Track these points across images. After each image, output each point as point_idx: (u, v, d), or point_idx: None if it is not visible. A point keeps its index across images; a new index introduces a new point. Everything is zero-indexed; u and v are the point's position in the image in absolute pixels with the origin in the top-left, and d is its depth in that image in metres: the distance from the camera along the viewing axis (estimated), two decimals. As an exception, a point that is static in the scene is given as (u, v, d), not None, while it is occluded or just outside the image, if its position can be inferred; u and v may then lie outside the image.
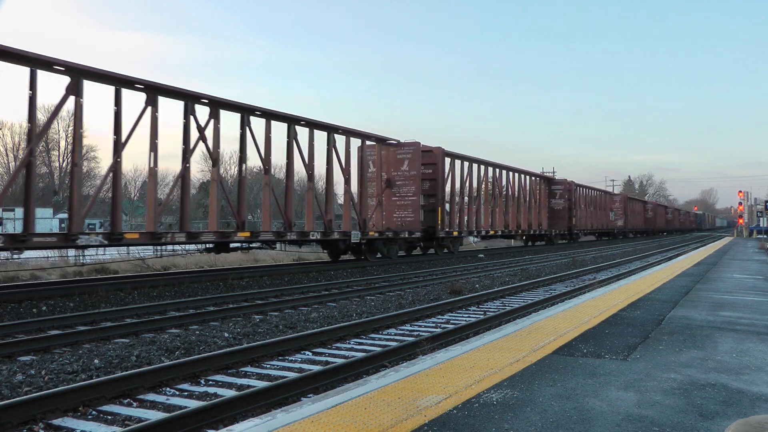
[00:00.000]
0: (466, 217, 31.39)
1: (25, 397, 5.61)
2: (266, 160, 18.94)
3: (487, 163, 33.93)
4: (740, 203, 65.22)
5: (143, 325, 9.94)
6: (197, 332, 9.67)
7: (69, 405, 5.67)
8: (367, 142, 24.78)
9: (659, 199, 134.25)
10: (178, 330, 9.98)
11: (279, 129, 19.67)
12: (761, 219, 64.91)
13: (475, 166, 32.38)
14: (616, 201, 62.84)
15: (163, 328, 10.03)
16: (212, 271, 18.72)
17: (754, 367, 5.14)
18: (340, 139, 22.53)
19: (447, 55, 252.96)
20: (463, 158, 30.94)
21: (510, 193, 37.57)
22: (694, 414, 3.86)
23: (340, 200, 33.66)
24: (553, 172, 71.87)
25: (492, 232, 34.65)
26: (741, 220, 68.49)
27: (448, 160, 29.32)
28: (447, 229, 29.07)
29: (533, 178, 42.19)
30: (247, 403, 5.68)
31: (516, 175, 38.36)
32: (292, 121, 20.04)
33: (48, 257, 22.83)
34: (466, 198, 31.26)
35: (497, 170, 35.55)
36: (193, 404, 5.78)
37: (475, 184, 32.38)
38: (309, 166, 21.00)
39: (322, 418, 3.63)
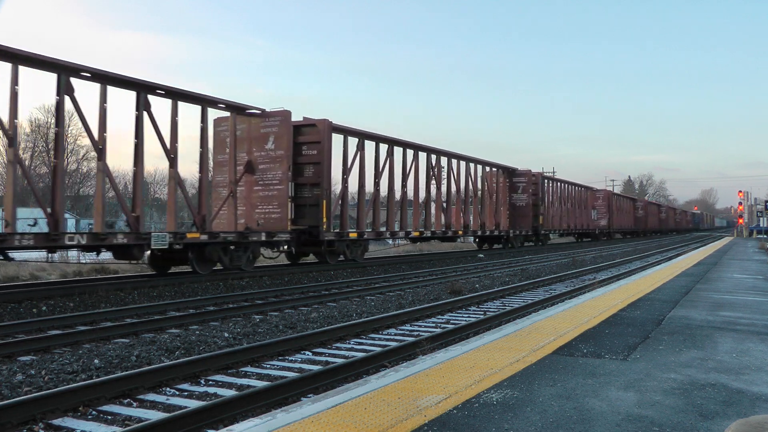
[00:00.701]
0: (380, 215, 24.55)
1: (25, 397, 5.61)
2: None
3: (414, 147, 26.59)
4: (740, 203, 65.23)
5: (143, 325, 9.94)
6: (197, 332, 9.66)
7: (69, 405, 5.67)
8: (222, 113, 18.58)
9: (659, 199, 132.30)
10: (178, 330, 9.98)
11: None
12: (761, 219, 64.90)
13: (399, 150, 25.36)
14: (599, 198, 56.99)
15: (163, 328, 10.03)
16: (212, 271, 18.70)
17: (754, 367, 5.14)
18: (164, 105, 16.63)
19: (447, 55, 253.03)
20: (366, 136, 23.09)
21: (455, 185, 31.03)
22: (694, 414, 3.86)
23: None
24: (553, 172, 71.35)
25: (417, 234, 26.86)
26: (741, 220, 68.48)
27: (338, 137, 21.60)
28: (337, 230, 22.21)
29: (489, 168, 35.60)
30: (247, 403, 5.68)
31: (463, 163, 31.47)
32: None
33: (46, 257, 22.79)
34: (384, 190, 24.62)
35: (434, 156, 28.56)
36: (193, 404, 5.78)
37: (400, 172, 25.72)
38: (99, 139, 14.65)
39: (322, 418, 3.63)
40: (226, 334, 9.34)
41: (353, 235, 22.55)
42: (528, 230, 38.86)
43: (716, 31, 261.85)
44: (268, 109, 19.40)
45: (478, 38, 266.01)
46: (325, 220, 20.61)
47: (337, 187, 23.58)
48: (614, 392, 4.30)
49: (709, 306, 9.07)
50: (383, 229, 24.77)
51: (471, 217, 32.26)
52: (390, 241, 34.50)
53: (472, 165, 32.47)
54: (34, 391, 6.17)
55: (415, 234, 26.88)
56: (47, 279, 17.25)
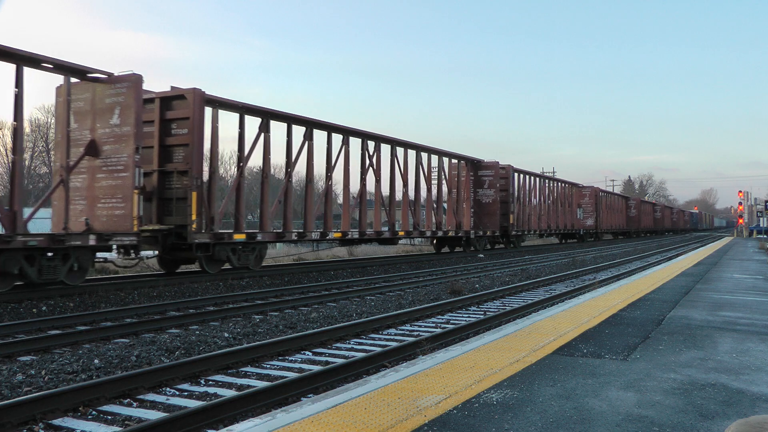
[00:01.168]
0: (290, 212, 19.51)
1: (25, 397, 5.61)
2: None
3: (343, 131, 21.76)
4: (740, 203, 65.22)
5: (143, 325, 9.94)
6: (197, 332, 9.66)
7: (69, 405, 5.67)
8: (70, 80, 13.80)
9: (659, 199, 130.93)
10: (178, 330, 9.98)
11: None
12: (761, 219, 64.88)
13: (322, 134, 20.84)
14: (585, 195, 51.75)
15: (163, 328, 10.03)
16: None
17: (754, 367, 5.14)
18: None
19: (447, 55, 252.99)
20: (269, 114, 18.39)
21: (401, 178, 25.82)
22: (694, 414, 3.86)
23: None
24: (553, 172, 71.48)
25: (338, 235, 21.47)
26: (741, 220, 68.47)
27: (210, 111, 16.71)
28: (218, 230, 16.90)
29: (449, 159, 30.55)
30: (247, 403, 5.68)
31: (413, 152, 26.72)
32: None
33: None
34: (299, 182, 22.84)
35: (371, 143, 23.47)
36: (193, 404, 5.78)
37: (320, 161, 21.34)
38: None
39: (322, 418, 3.63)
40: (226, 334, 9.34)
41: (239, 237, 17.38)
42: (495, 230, 33.35)
43: (716, 31, 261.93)
44: (117, 73, 14.56)
45: (478, 38, 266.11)
46: (194, 216, 15.99)
47: (226, 176, 20.67)
48: (614, 392, 4.30)
49: (709, 306, 9.07)
50: (281, 230, 19.53)
51: (422, 216, 27.48)
52: (325, 244, 28.21)
53: (427, 155, 27.90)
54: (34, 391, 6.17)
55: (336, 235, 21.48)
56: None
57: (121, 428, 5.27)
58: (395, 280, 17.90)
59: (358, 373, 6.91)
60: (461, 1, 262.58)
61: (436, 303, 12.54)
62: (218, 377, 6.97)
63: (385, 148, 24.75)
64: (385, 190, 25.25)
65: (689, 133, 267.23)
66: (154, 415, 5.57)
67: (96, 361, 7.52)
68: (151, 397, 6.18)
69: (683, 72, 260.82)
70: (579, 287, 15.68)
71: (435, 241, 32.29)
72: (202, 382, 6.79)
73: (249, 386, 6.50)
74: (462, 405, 3.92)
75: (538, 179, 41.17)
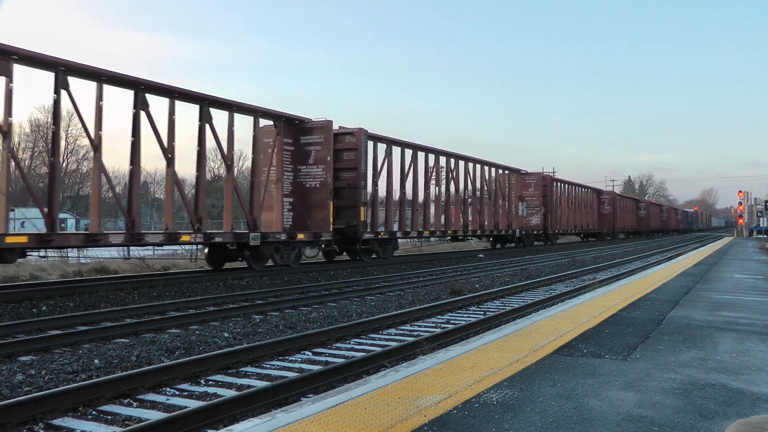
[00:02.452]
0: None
1: (25, 397, 5.61)
2: None
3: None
4: (740, 203, 65.22)
5: (143, 325, 9.94)
6: (197, 332, 9.66)
7: (69, 405, 5.67)
8: None
9: (659, 199, 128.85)
10: (178, 330, 9.98)
11: None
12: (761, 219, 64.88)
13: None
14: (531, 185, 39.54)
15: (163, 328, 10.03)
16: (212, 271, 18.71)
17: (754, 367, 5.15)
18: None
19: (447, 55, 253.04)
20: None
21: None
22: (694, 414, 3.86)
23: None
24: (553, 172, 71.14)
25: (450, 232, 28.57)
26: (741, 220, 68.48)
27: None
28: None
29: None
30: (247, 403, 5.68)
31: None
32: None
33: (47, 257, 22.80)
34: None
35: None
36: (193, 404, 5.78)
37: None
38: None
39: (322, 418, 3.63)
40: (226, 334, 9.34)
41: (384, 235, 23.88)
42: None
43: (716, 31, 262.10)
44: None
45: (478, 38, 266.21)
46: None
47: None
48: (614, 392, 4.30)
49: (709, 306, 9.07)
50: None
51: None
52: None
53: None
54: (34, 391, 6.18)
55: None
56: (47, 279, 17.25)
57: (121, 428, 5.27)
58: (395, 280, 17.90)
59: (358, 373, 6.91)
60: (461, 1, 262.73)
61: (436, 303, 12.55)
62: (218, 377, 6.97)
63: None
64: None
65: (689, 133, 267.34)
66: (154, 415, 5.57)
67: (96, 361, 7.52)
68: (151, 397, 6.18)
69: (683, 72, 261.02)
70: (579, 287, 15.68)
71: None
72: (202, 382, 6.79)
73: (249, 386, 6.50)
74: (462, 405, 3.92)
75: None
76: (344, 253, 24.04)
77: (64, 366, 7.26)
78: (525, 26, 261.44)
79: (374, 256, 23.76)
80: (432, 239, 34.20)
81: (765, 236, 55.69)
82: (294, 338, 8.58)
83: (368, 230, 22.84)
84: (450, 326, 10.19)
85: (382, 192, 24.03)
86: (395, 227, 25.16)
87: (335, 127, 21.34)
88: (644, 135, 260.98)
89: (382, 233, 23.81)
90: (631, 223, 67.94)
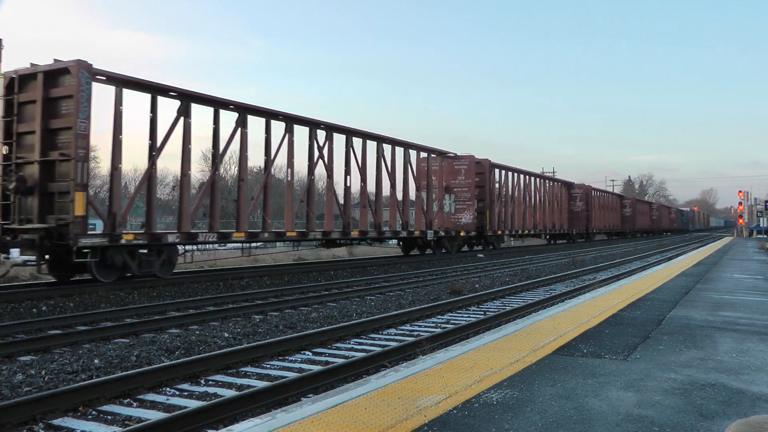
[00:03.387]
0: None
1: (25, 397, 5.61)
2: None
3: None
4: (740, 203, 65.20)
5: (143, 325, 9.93)
6: (197, 332, 9.66)
7: (69, 405, 5.67)
8: None
9: (659, 199, 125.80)
10: (178, 330, 9.98)
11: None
12: (761, 219, 64.86)
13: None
14: (461, 172, 30.12)
15: (163, 328, 10.03)
16: (212, 271, 18.71)
17: (754, 367, 5.14)
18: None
19: (447, 55, 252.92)
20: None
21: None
22: (694, 414, 3.86)
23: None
24: (553, 172, 71.22)
25: (417, 232, 24.92)
26: (741, 220, 68.46)
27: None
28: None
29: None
30: (247, 403, 5.68)
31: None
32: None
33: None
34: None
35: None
36: (193, 404, 5.78)
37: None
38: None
39: (322, 418, 3.63)
40: (226, 334, 9.34)
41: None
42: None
43: (716, 31, 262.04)
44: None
45: (478, 38, 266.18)
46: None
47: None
48: (614, 392, 4.30)
49: (709, 306, 9.07)
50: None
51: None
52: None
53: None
54: (34, 391, 6.17)
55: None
56: (47, 279, 17.24)
57: (121, 428, 5.26)
58: (395, 280, 17.90)
59: (358, 373, 6.91)
60: (461, 1, 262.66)
61: (436, 303, 12.54)
62: (218, 377, 6.97)
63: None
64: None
65: (689, 133, 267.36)
66: (154, 415, 5.57)
67: (96, 361, 7.52)
68: (151, 397, 6.18)
69: (683, 72, 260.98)
70: (579, 287, 15.67)
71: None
72: (202, 382, 6.79)
73: (249, 386, 6.50)
74: (462, 405, 3.92)
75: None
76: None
77: (64, 366, 7.26)
78: (525, 26, 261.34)
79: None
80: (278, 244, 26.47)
81: (765, 236, 55.67)
82: (294, 338, 8.58)
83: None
84: (450, 326, 10.19)
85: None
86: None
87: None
88: (644, 135, 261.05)
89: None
90: (614, 222, 57.83)
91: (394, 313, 11.10)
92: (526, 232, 38.25)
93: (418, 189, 27.31)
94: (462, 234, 29.81)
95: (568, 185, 47.83)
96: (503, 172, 34.76)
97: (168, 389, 6.47)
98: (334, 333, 9.23)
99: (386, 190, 24.92)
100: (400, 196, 25.71)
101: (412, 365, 5.06)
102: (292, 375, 6.93)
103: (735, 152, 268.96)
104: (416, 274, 19.76)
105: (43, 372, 6.97)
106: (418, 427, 3.50)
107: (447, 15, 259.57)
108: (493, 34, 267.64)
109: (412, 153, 26.95)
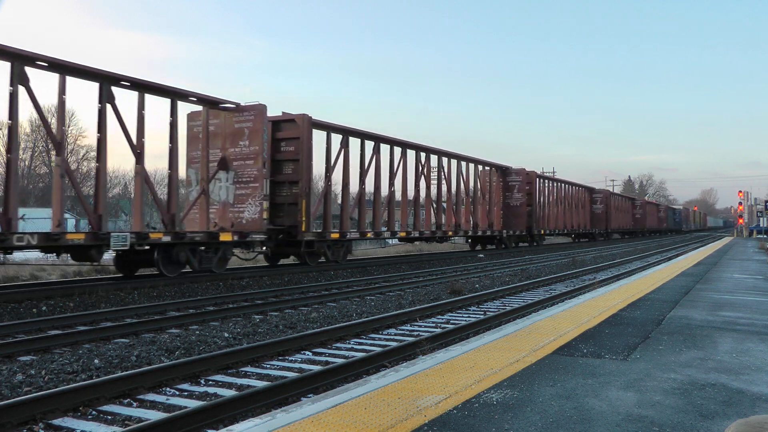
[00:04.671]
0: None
1: (25, 397, 5.61)
2: None
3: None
4: (740, 203, 65.21)
5: (143, 325, 9.93)
6: (197, 332, 9.66)
7: (69, 405, 5.67)
8: None
9: (659, 199, 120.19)
10: (178, 330, 9.98)
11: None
12: (761, 219, 64.86)
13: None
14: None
15: (163, 328, 10.03)
16: (212, 271, 18.70)
17: (754, 367, 5.15)
18: None
19: (446, 55, 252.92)
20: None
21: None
22: (694, 414, 3.86)
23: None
24: (553, 172, 71.23)
25: (403, 234, 26.22)
26: (741, 220, 68.46)
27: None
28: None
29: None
30: (247, 403, 5.68)
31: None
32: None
33: (48, 257, 22.80)
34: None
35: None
36: (193, 404, 5.77)
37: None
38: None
39: (322, 418, 3.63)
40: (226, 334, 9.34)
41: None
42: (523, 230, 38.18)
43: (716, 31, 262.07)
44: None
45: (478, 38, 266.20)
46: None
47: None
48: (614, 392, 4.30)
49: (709, 306, 9.07)
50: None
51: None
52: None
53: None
54: (34, 391, 6.17)
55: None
56: (47, 279, 17.25)
57: (121, 428, 5.26)
58: (395, 280, 17.90)
59: (358, 373, 6.91)
60: (461, 1, 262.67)
61: (436, 303, 12.54)
62: (218, 377, 6.97)
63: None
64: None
65: (689, 133, 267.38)
66: (154, 415, 5.57)
67: (96, 361, 7.52)
68: (151, 397, 6.18)
69: (682, 72, 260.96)
70: (579, 287, 15.68)
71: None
72: (202, 382, 6.79)
73: (249, 386, 6.50)
74: (462, 405, 3.92)
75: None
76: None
77: (64, 366, 7.26)
78: (525, 26, 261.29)
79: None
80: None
81: (765, 236, 55.68)
82: (294, 338, 8.58)
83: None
84: (450, 326, 10.19)
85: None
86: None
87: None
88: (644, 135, 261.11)
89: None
90: (579, 221, 48.70)
91: (394, 313, 11.10)
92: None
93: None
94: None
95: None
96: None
97: (168, 389, 6.47)
98: (334, 333, 9.23)
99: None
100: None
101: (412, 365, 5.06)
102: (292, 375, 6.93)
103: (735, 152, 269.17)
104: (416, 274, 19.76)
105: (43, 372, 6.97)
106: (418, 427, 3.50)
107: (447, 15, 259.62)
108: (493, 34, 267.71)
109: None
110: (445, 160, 29.48)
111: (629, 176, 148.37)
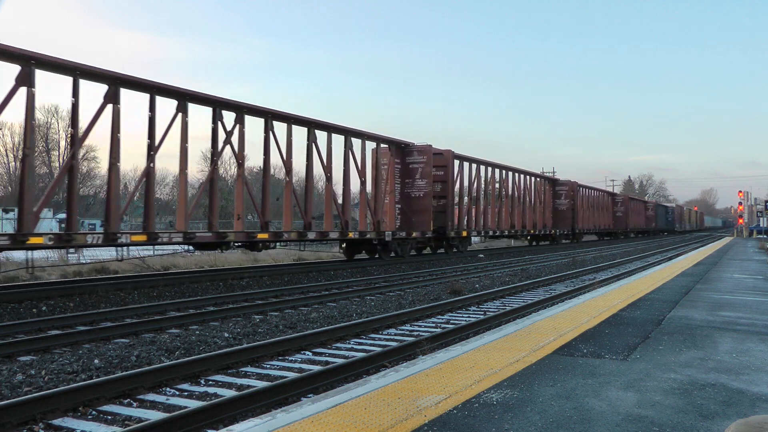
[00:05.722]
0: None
1: (25, 397, 5.61)
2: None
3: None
4: (740, 203, 65.22)
5: (143, 325, 9.94)
6: (197, 332, 9.66)
7: (69, 405, 5.67)
8: None
9: (659, 199, 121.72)
10: (178, 330, 9.98)
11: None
12: (761, 219, 64.88)
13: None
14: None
15: (163, 328, 10.03)
16: (212, 271, 18.72)
17: (754, 367, 5.14)
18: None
19: (447, 55, 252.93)
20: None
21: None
22: (694, 414, 3.86)
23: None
24: (553, 172, 71.19)
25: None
26: (741, 220, 68.47)
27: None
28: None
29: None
30: (247, 403, 5.68)
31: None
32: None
33: (47, 257, 22.80)
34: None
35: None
36: (193, 404, 5.78)
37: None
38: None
39: (322, 418, 3.63)
40: (226, 334, 9.34)
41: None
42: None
43: (716, 31, 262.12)
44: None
45: (478, 38, 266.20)
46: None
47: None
48: (614, 392, 4.30)
49: (709, 306, 9.07)
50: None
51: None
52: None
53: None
54: (34, 391, 6.17)
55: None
56: (47, 279, 17.26)
57: (121, 428, 5.27)
58: (395, 280, 17.90)
59: (358, 373, 6.91)
60: (461, 1, 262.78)
61: (436, 303, 12.54)
62: (218, 377, 6.97)
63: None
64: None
65: (689, 133, 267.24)
66: (154, 415, 5.57)
67: (96, 361, 7.52)
68: (151, 397, 6.18)
69: (682, 72, 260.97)
70: (579, 287, 15.68)
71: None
72: (202, 382, 6.79)
73: (249, 386, 6.50)
74: (462, 405, 3.92)
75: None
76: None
77: (64, 366, 7.26)
78: (525, 26, 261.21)
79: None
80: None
81: (765, 236, 55.69)
82: (294, 338, 8.58)
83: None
84: (450, 326, 10.19)
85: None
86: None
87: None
88: (644, 135, 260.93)
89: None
90: (542, 220, 41.38)
91: (394, 313, 11.10)
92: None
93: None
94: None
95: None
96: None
97: (168, 389, 6.47)
98: (334, 333, 9.23)
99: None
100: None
101: (412, 365, 5.06)
102: (292, 375, 6.93)
103: (734, 152, 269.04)
104: (416, 274, 19.76)
105: (43, 372, 6.97)
106: (418, 427, 3.50)
107: (447, 15, 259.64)
108: (494, 34, 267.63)
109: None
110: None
111: (629, 176, 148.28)
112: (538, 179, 41.40)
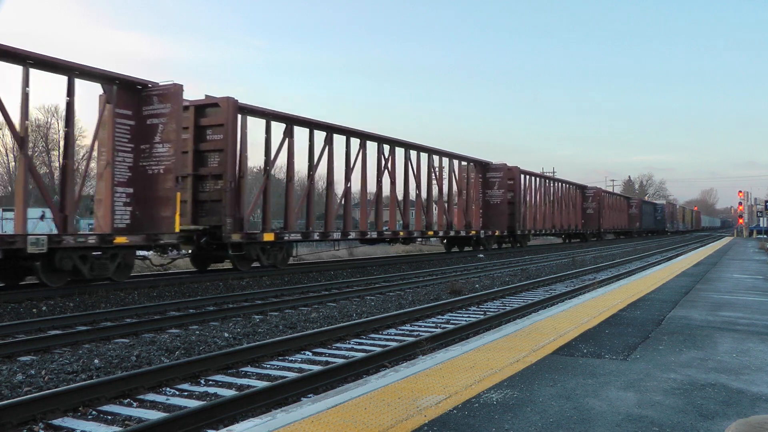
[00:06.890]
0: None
1: (25, 397, 5.61)
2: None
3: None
4: (740, 203, 65.22)
5: (143, 325, 9.94)
6: (197, 332, 9.66)
7: (69, 405, 5.67)
8: None
9: (659, 199, 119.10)
10: (178, 330, 9.97)
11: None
12: (761, 219, 64.87)
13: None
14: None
15: (163, 328, 10.03)
16: (212, 272, 18.71)
17: (754, 367, 5.15)
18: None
19: (447, 55, 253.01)
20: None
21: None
22: (694, 414, 3.86)
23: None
24: (553, 172, 71.25)
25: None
26: (741, 220, 68.46)
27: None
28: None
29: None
30: (247, 403, 5.68)
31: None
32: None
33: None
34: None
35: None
36: (193, 404, 5.78)
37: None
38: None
39: (322, 418, 3.63)
40: (226, 334, 9.34)
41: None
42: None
43: (715, 32, 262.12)
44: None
45: (478, 38, 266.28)
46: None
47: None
48: (614, 392, 4.30)
49: (709, 306, 9.07)
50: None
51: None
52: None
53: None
54: (34, 391, 6.17)
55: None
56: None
57: (121, 428, 5.27)
58: (395, 280, 17.90)
59: (358, 373, 6.91)
60: (461, 1, 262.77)
61: (436, 303, 12.54)
62: (218, 377, 6.97)
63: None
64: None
65: (689, 134, 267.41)
66: (154, 415, 5.57)
67: (96, 361, 7.52)
68: (151, 397, 6.18)
69: (683, 72, 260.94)
70: (579, 287, 15.68)
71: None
72: (202, 382, 6.79)
73: (249, 386, 6.50)
74: (462, 405, 3.92)
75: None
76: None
77: (64, 366, 7.25)
78: (525, 26, 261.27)
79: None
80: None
81: (765, 236, 55.69)
82: (294, 338, 8.58)
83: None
84: (450, 326, 10.19)
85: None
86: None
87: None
88: (644, 135, 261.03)
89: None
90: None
91: (394, 313, 11.10)
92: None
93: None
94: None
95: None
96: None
97: (168, 389, 6.47)
98: (334, 333, 9.23)
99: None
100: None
101: (412, 365, 5.06)
102: (292, 375, 6.93)
103: (733, 152, 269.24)
104: (416, 274, 19.76)
105: (43, 372, 6.97)
106: (418, 427, 3.50)
107: (447, 15, 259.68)
108: (494, 34, 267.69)
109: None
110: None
111: (629, 176, 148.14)
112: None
